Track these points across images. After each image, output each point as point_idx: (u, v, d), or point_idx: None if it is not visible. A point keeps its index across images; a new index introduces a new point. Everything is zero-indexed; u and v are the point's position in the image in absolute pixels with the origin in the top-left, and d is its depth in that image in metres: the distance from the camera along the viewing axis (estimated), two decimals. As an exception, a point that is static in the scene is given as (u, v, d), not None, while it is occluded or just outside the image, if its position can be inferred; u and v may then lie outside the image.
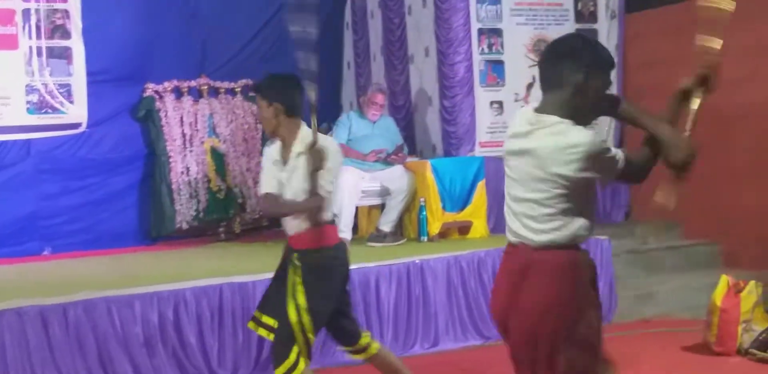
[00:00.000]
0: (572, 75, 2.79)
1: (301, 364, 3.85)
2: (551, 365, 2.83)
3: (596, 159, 2.75)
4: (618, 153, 2.83)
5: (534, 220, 2.84)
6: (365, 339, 4.21)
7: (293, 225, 3.99)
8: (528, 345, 2.86)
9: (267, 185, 4.01)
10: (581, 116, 2.83)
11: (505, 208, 2.97)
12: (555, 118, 2.79)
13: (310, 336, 3.89)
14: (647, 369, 5.22)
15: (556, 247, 2.84)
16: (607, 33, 8.14)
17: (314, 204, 3.85)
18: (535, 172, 2.80)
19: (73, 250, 7.30)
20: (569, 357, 2.82)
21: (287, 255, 4.05)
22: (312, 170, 3.81)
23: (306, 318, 3.86)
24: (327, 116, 8.46)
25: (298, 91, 4.06)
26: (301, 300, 3.87)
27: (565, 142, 2.75)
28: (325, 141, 3.95)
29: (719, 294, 5.49)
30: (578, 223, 2.85)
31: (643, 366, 5.28)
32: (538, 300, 2.84)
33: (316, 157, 3.81)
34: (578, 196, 2.82)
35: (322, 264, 3.95)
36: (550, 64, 2.85)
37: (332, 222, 4.06)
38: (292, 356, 3.84)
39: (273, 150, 4.09)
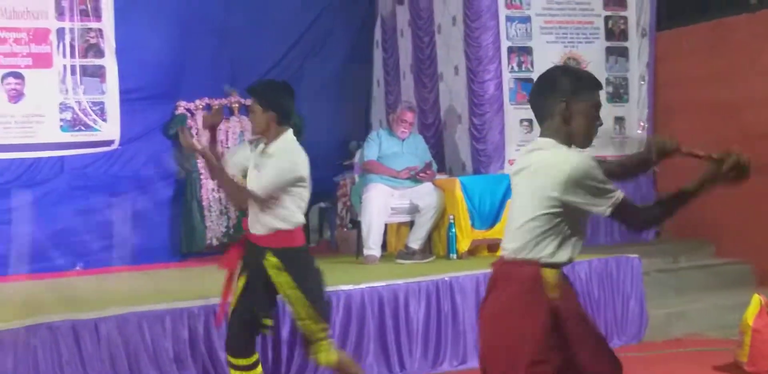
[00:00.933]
0: (555, 105, 2.90)
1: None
2: None
3: (580, 185, 2.80)
4: (616, 191, 2.86)
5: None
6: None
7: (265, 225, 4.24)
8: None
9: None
10: (579, 140, 2.93)
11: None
12: (551, 141, 2.91)
13: (324, 324, 4.24)
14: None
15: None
16: (638, 51, 8.14)
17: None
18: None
19: (105, 266, 7.38)
20: None
21: (252, 255, 4.25)
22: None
23: (311, 311, 4.18)
24: (356, 134, 8.51)
25: (291, 99, 4.30)
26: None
27: (554, 161, 2.84)
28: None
29: (751, 314, 5.42)
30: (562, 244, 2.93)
31: (674, 386, 5.24)
32: None
33: None
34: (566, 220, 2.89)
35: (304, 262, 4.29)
36: (535, 99, 2.98)
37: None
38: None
39: (253, 151, 4.31)
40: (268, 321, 4.38)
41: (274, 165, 4.17)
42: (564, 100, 2.87)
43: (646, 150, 2.98)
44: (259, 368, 4.35)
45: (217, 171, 4.23)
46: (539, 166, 2.87)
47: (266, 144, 4.27)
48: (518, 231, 2.89)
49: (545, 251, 2.87)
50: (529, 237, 2.87)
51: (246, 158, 4.33)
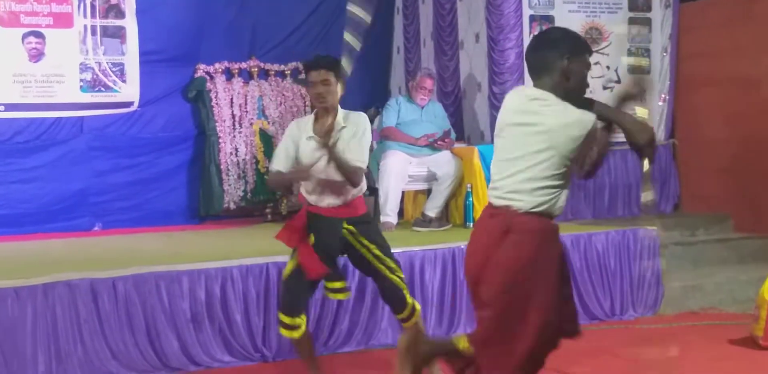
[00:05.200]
0: (557, 61, 3.14)
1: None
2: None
3: (592, 136, 3.09)
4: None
5: (526, 187, 3.14)
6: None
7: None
8: (502, 295, 3.15)
9: (279, 163, 4.36)
10: (574, 97, 3.16)
11: (494, 170, 3.26)
12: (555, 98, 3.12)
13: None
14: (693, 362, 5.18)
15: (538, 214, 3.16)
16: (661, 22, 8.05)
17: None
18: (538, 144, 3.09)
19: (123, 227, 7.41)
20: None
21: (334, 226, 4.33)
22: None
23: (400, 274, 4.47)
24: (376, 100, 8.47)
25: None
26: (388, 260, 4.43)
27: (572, 118, 3.08)
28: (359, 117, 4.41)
29: (768, 288, 5.42)
30: (562, 197, 3.18)
31: (688, 359, 5.24)
32: (516, 255, 3.14)
33: None
34: (566, 171, 3.14)
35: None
36: (534, 54, 3.20)
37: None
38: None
39: (302, 127, 4.38)
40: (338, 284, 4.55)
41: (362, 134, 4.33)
42: (567, 57, 3.11)
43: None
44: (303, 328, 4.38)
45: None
46: (557, 125, 3.07)
47: (326, 120, 4.36)
48: (529, 186, 3.11)
49: (558, 204, 3.15)
50: (545, 193, 3.11)
51: (296, 143, 4.36)
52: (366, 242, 4.40)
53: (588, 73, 3.19)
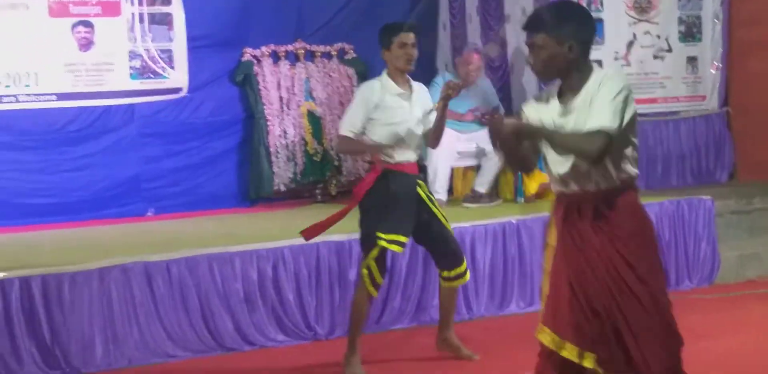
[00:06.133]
0: None
1: None
2: None
3: None
4: None
5: None
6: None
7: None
8: None
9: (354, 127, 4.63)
10: None
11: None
12: None
13: None
14: (751, 330, 5.11)
15: None
16: (713, -11, 7.89)
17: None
18: None
19: (175, 212, 7.49)
20: None
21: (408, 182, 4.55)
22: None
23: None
24: (422, 78, 8.32)
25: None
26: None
27: None
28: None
29: (827, 255, 5.31)
30: None
31: (746, 327, 5.17)
32: None
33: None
34: None
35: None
36: None
37: None
38: None
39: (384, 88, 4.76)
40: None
41: None
42: None
43: None
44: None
45: None
46: None
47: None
48: None
49: None
50: None
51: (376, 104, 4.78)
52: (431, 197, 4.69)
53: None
